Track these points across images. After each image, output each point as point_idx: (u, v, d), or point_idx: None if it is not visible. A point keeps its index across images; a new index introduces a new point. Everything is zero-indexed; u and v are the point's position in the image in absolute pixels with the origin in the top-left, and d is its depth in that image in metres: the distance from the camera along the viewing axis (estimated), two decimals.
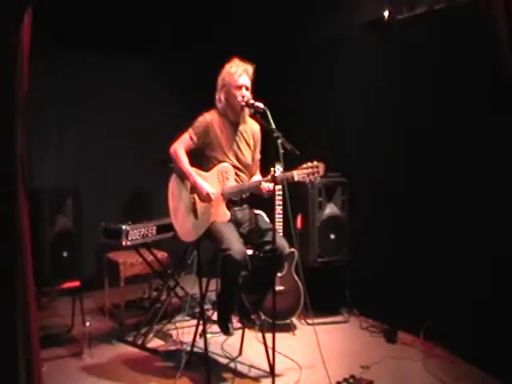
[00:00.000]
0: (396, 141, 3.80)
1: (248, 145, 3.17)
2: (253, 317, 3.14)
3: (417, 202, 3.67)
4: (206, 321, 3.52)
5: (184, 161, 3.07)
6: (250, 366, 3.22)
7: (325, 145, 4.40)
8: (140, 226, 3.65)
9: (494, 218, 3.10)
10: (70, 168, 4.55)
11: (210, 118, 3.10)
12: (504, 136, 2.94)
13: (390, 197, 3.81)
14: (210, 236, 2.98)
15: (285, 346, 3.43)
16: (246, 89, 3.03)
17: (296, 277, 3.78)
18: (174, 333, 3.68)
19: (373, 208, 4.02)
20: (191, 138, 3.08)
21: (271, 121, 2.74)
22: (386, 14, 3.81)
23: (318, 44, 4.50)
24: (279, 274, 3.72)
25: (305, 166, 2.77)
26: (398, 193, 3.75)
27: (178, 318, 4.01)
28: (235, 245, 2.80)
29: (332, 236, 4.01)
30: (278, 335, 2.67)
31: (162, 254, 4.05)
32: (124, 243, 3.52)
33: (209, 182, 3.04)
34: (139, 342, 3.55)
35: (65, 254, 3.41)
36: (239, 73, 3.02)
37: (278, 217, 3.74)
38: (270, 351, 2.77)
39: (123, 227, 3.52)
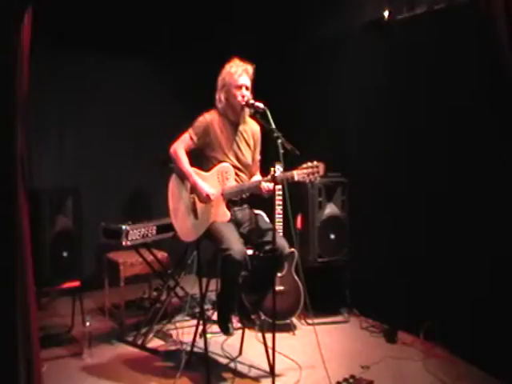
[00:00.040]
0: (396, 141, 3.80)
1: (248, 145, 3.17)
2: (253, 317, 3.14)
3: (417, 202, 3.67)
4: (206, 321, 3.52)
5: (184, 161, 3.07)
6: (250, 366, 3.22)
7: (325, 145, 4.40)
8: (140, 225, 3.65)
9: (493, 218, 3.10)
10: (70, 168, 4.55)
11: (210, 117, 3.10)
12: (504, 136, 2.94)
13: (390, 197, 3.81)
14: (210, 236, 2.98)
15: (285, 346, 3.43)
16: (246, 88, 3.03)
17: (296, 277, 3.78)
18: (174, 333, 3.68)
19: (373, 208, 4.02)
20: (191, 138, 3.08)
21: (271, 121, 2.74)
22: (386, 14, 3.81)
23: (318, 44, 4.50)
24: (279, 274, 3.72)
25: (305, 165, 2.77)
26: (397, 193, 3.75)
27: (177, 317, 4.01)
28: (235, 245, 2.80)
29: (332, 236, 4.01)
30: (278, 335, 2.67)
31: (162, 254, 4.05)
32: (124, 243, 3.52)
33: (209, 182, 3.04)
34: (139, 342, 3.55)
35: (65, 254, 3.41)
36: (239, 73, 3.02)
37: (278, 217, 3.74)
38: (270, 351, 2.77)
39: (123, 227, 3.52)
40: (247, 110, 3.09)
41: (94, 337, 3.44)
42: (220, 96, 3.08)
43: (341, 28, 4.26)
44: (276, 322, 2.73)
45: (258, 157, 3.26)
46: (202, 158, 3.14)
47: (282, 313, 3.73)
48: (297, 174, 2.77)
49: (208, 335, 3.19)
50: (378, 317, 3.93)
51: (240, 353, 3.40)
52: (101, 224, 3.70)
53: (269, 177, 2.85)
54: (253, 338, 3.56)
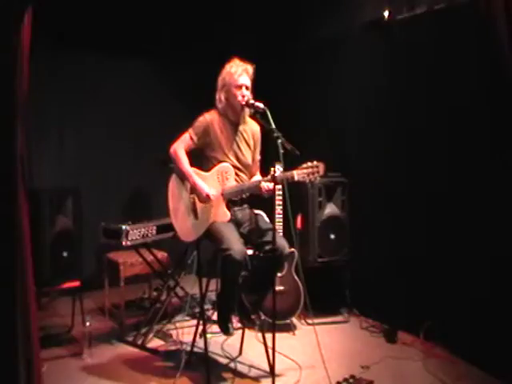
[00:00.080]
0: (396, 141, 3.80)
1: (248, 145, 3.17)
2: (253, 317, 3.14)
3: (417, 202, 3.67)
4: (206, 321, 3.52)
5: (184, 161, 3.07)
6: (250, 366, 3.22)
7: (325, 145, 4.40)
8: (140, 225, 3.65)
9: (493, 218, 3.10)
10: (70, 168, 4.55)
11: (210, 117, 3.10)
12: (504, 136, 2.94)
13: (390, 197, 3.81)
14: (210, 236, 2.98)
15: (285, 346, 3.43)
16: (246, 88, 3.03)
17: (296, 277, 3.78)
18: (174, 333, 3.68)
19: (373, 208, 4.02)
20: (191, 138, 3.09)
21: (271, 121, 2.74)
22: (386, 14, 3.81)
23: (318, 44, 4.50)
24: (279, 274, 3.72)
25: (305, 165, 2.77)
26: (397, 193, 3.75)
27: (177, 317, 4.01)
28: (235, 245, 2.80)
29: (332, 236, 4.01)
30: (278, 335, 2.67)
31: (162, 254, 4.05)
32: (124, 243, 3.52)
33: (209, 182, 3.04)
34: (139, 342, 3.55)
35: (65, 254, 3.41)
36: (239, 72, 3.02)
37: (278, 217, 3.74)
38: (270, 351, 2.77)
39: (123, 227, 3.52)
40: (247, 110, 3.09)
41: (94, 337, 3.44)
42: (220, 96, 3.08)
43: (341, 28, 4.26)
44: (276, 322, 2.73)
45: (258, 157, 3.26)
46: (202, 158, 3.14)
47: (282, 313, 3.73)
48: (297, 174, 2.77)
49: (208, 335, 3.19)
50: (378, 317, 3.93)
51: (240, 353, 3.40)
52: (101, 224, 3.70)
53: (269, 177, 2.85)
54: (253, 338, 3.56)
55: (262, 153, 3.27)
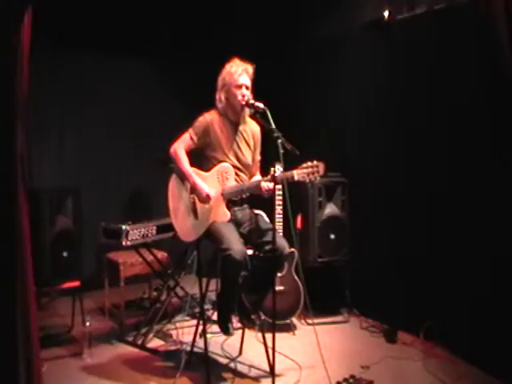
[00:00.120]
0: (396, 141, 3.80)
1: (248, 145, 3.17)
2: (253, 317, 3.14)
3: (417, 202, 3.67)
4: (206, 321, 3.52)
5: (184, 161, 3.07)
6: (250, 366, 3.22)
7: (325, 145, 4.40)
8: (140, 225, 3.65)
9: (493, 218, 3.10)
10: (70, 168, 4.55)
11: (210, 117, 3.10)
12: (504, 136, 2.94)
13: (390, 197, 3.81)
14: (210, 236, 2.98)
15: (285, 346, 3.43)
16: (246, 88, 3.03)
17: (296, 277, 3.78)
18: (174, 333, 3.68)
19: (373, 208, 4.02)
20: (191, 138, 3.09)
21: (271, 121, 2.74)
22: (386, 14, 3.81)
23: (318, 44, 4.50)
24: (279, 274, 3.72)
25: (305, 165, 2.77)
26: (397, 193, 3.75)
27: (177, 317, 4.01)
28: (235, 245, 2.80)
29: (332, 236, 4.01)
30: (278, 335, 2.67)
31: (162, 254, 4.05)
32: (124, 243, 3.52)
33: (209, 182, 3.04)
34: (139, 342, 3.55)
35: (65, 254, 3.41)
36: (239, 72, 3.02)
37: (278, 217, 3.73)
38: (270, 351, 2.77)
39: (123, 227, 3.52)
40: (247, 110, 3.09)
41: (94, 337, 3.44)
42: (220, 96, 3.09)
43: (341, 28, 4.26)
44: (276, 322, 2.73)
45: (258, 157, 3.26)
46: (202, 157, 3.14)
47: (282, 313, 3.73)
48: (297, 174, 2.77)
49: (208, 335, 3.19)
50: (378, 317, 3.93)
51: (240, 353, 3.40)
52: (101, 224, 3.70)
53: (269, 177, 2.85)
54: (253, 338, 3.56)
55: (262, 153, 3.27)
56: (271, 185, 2.80)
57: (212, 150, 3.09)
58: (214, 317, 3.49)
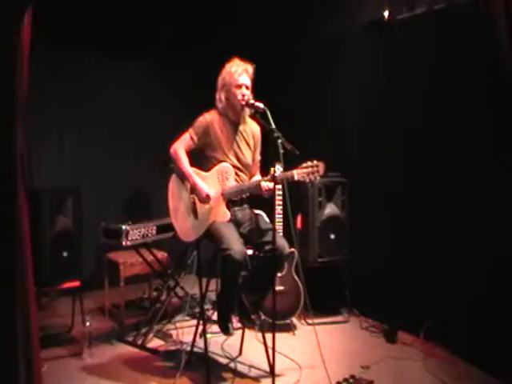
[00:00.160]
0: (396, 141, 3.80)
1: (248, 145, 3.17)
2: (253, 317, 3.14)
3: (417, 202, 3.67)
4: (206, 321, 3.52)
5: (184, 161, 3.07)
6: (250, 366, 3.22)
7: (325, 145, 4.40)
8: (140, 225, 3.65)
9: (493, 218, 3.10)
10: (70, 168, 4.55)
11: (210, 117, 3.10)
12: (504, 136, 2.94)
13: (390, 197, 3.81)
14: (210, 236, 2.98)
15: (285, 346, 3.43)
16: (246, 88, 3.03)
17: (296, 277, 3.78)
18: (174, 333, 3.68)
19: (373, 208, 4.02)
20: (191, 138, 3.09)
21: (271, 121, 2.74)
22: (386, 14, 3.81)
23: (318, 44, 4.50)
24: (279, 274, 3.72)
25: (305, 165, 2.77)
26: (397, 193, 3.75)
27: (177, 317, 4.01)
28: (235, 245, 2.80)
29: (332, 236, 4.01)
30: (278, 335, 2.67)
31: (162, 254, 4.05)
32: (124, 243, 3.52)
33: (209, 182, 3.04)
34: (139, 342, 3.55)
35: (65, 254, 3.41)
36: (239, 72, 3.02)
37: (278, 217, 3.73)
38: (270, 351, 2.77)
39: (123, 227, 3.52)
40: (247, 110, 3.09)
41: (94, 337, 3.44)
42: (220, 96, 3.09)
43: (341, 28, 4.26)
44: (276, 322, 2.73)
45: (258, 157, 3.26)
46: (202, 157, 3.14)
47: (282, 313, 3.73)
48: (297, 174, 2.77)
49: (208, 335, 3.19)
50: (378, 317, 3.93)
51: (240, 353, 3.40)
52: (101, 224, 3.70)
53: (269, 177, 2.85)
54: (253, 338, 3.56)
55: (262, 153, 3.27)
56: (271, 185, 2.80)
57: (212, 150, 3.09)
58: (214, 317, 3.49)
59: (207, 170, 3.09)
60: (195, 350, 3.26)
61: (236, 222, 3.05)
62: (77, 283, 3.51)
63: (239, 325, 3.28)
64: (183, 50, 5.08)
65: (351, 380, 2.85)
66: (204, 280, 3.20)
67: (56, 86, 4.41)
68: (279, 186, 3.48)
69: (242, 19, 4.92)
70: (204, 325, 3.21)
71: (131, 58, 4.83)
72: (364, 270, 4.03)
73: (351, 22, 4.17)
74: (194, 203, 3.08)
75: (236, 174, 3.07)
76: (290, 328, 3.82)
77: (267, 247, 2.93)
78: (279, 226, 3.73)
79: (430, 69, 3.55)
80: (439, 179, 3.50)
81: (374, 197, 3.98)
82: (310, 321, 3.88)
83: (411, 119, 3.70)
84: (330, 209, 4.06)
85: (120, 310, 3.80)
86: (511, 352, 2.85)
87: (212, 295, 4.09)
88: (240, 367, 3.22)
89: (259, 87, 3.12)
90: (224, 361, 3.32)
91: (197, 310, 4.08)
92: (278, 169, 2.79)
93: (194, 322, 3.56)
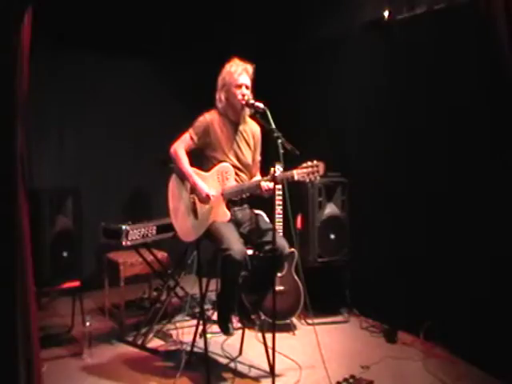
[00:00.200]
0: (396, 141, 3.80)
1: (248, 144, 3.17)
2: (253, 317, 3.14)
3: (417, 202, 3.67)
4: (206, 321, 3.52)
5: (184, 161, 3.07)
6: (250, 366, 3.22)
7: (325, 145, 4.40)
8: (140, 225, 3.65)
9: (493, 218, 3.10)
10: (70, 168, 4.55)
11: (210, 117, 3.10)
12: (504, 136, 2.94)
13: (390, 197, 3.81)
14: (210, 236, 2.98)
15: (285, 346, 3.43)
16: (246, 88, 3.03)
17: (296, 277, 3.78)
18: (174, 333, 3.68)
19: (373, 208, 4.02)
20: (191, 138, 3.09)
21: (271, 121, 2.74)
22: (386, 14, 3.81)
23: (318, 44, 4.50)
24: (279, 274, 3.72)
25: (305, 165, 2.77)
26: (397, 193, 3.75)
27: (177, 317, 4.01)
28: (235, 245, 2.80)
29: (332, 236, 4.01)
30: (278, 335, 2.67)
31: (162, 254, 4.05)
32: (124, 243, 3.52)
33: (209, 182, 3.04)
34: (139, 342, 3.55)
35: (65, 254, 3.41)
36: (239, 72, 3.02)
37: (278, 217, 3.73)
38: (270, 351, 2.77)
39: (123, 227, 3.52)
40: (247, 110, 3.09)
41: (94, 337, 3.44)
42: (220, 96, 3.09)
43: (341, 28, 4.26)
44: (276, 322, 2.73)
45: (258, 158, 3.26)
46: (202, 157, 3.14)
47: (282, 313, 3.73)
48: (297, 174, 2.77)
49: (208, 335, 3.19)
50: (378, 317, 3.93)
51: (240, 353, 3.40)
52: (101, 224, 3.70)
53: (269, 177, 2.85)
54: (253, 338, 3.56)
55: (262, 153, 3.27)
56: (271, 185, 2.80)
57: (212, 150, 3.08)
58: (214, 317, 3.49)
59: (207, 170, 3.09)
60: (195, 349, 3.26)
61: (236, 222, 3.05)
62: (77, 283, 3.51)
63: (239, 325, 3.28)
64: (183, 49, 5.08)
65: (351, 380, 2.85)
66: (204, 280, 3.20)
67: (56, 86, 4.41)
68: (279, 186, 3.48)
69: (242, 19, 4.92)
70: (204, 325, 3.21)
71: (131, 58, 4.83)
72: (364, 270, 4.03)
73: (351, 22, 4.17)
74: (194, 203, 3.08)
75: (236, 173, 3.07)
76: (289, 328, 3.82)
77: (267, 247, 2.93)
78: (279, 225, 3.73)
79: (429, 69, 3.55)
80: (439, 179, 3.50)
81: (374, 197, 3.98)
82: (309, 321, 3.88)
83: (411, 119, 3.70)
84: (330, 209, 4.06)
85: (120, 310, 3.80)
86: (511, 352, 2.85)
87: (212, 295, 4.09)
88: (240, 367, 3.22)
89: (259, 87, 3.12)
90: (224, 361, 3.32)
91: (197, 310, 4.08)
92: (278, 169, 2.79)
93: (194, 322, 3.56)
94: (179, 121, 3.19)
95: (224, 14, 4.92)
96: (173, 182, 3.16)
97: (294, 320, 3.90)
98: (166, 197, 3.17)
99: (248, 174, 3.16)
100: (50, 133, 4.54)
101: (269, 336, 3.00)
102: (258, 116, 3.01)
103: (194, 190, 3.06)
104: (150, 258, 3.89)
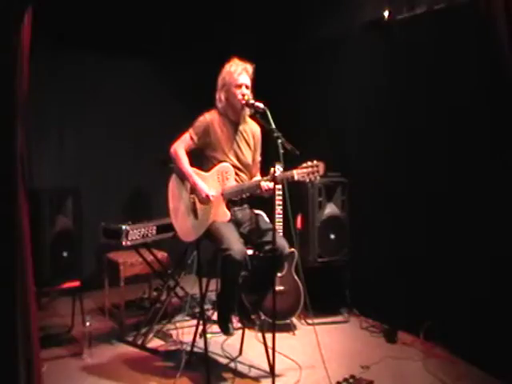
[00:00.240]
0: (396, 141, 3.80)
1: (248, 144, 3.17)
2: (253, 317, 3.14)
3: (417, 202, 3.67)
4: (206, 321, 3.52)
5: (184, 161, 3.07)
6: (250, 366, 3.22)
7: (325, 145, 4.40)
8: (140, 225, 3.65)
9: (493, 218, 3.10)
10: (70, 168, 4.55)
11: (210, 117, 3.10)
12: (504, 136, 2.94)
13: (390, 197, 3.81)
14: (210, 236, 2.98)
15: (285, 346, 3.43)
16: (246, 87, 3.03)
17: (296, 277, 3.78)
18: (174, 333, 3.68)
19: (373, 208, 4.02)
20: (191, 138, 3.09)
21: (271, 121, 2.74)
22: (386, 14, 3.81)
23: (318, 44, 4.50)
24: (279, 274, 3.72)
25: (305, 165, 2.77)
26: (397, 193, 3.75)
27: (177, 317, 4.01)
28: (235, 245, 2.80)
29: (332, 236, 4.01)
30: (278, 335, 2.67)
31: (162, 254, 4.05)
32: (124, 243, 3.52)
33: (209, 182, 3.04)
34: (139, 342, 3.55)
35: (65, 254, 3.41)
36: (239, 71, 3.02)
37: (278, 217, 3.73)
38: (270, 351, 2.77)
39: (123, 227, 3.52)
40: (247, 110, 3.08)
41: (94, 337, 3.44)
42: (220, 95, 3.09)
43: (341, 28, 4.26)
44: (276, 322, 2.73)
45: (258, 158, 3.26)
46: (202, 157, 3.14)
47: (282, 313, 3.73)
48: (297, 174, 2.77)
49: (208, 335, 3.19)
50: (378, 317, 3.93)
51: (240, 353, 3.40)
52: (101, 224, 3.70)
53: (269, 177, 2.85)
54: (253, 338, 3.56)
55: (262, 153, 3.27)
56: (271, 185, 2.80)
57: (212, 150, 3.08)
58: (214, 317, 3.49)
59: (207, 170, 3.09)
60: (195, 349, 3.26)
61: (236, 222, 3.05)
62: (77, 283, 3.51)
63: (239, 325, 3.28)
64: (183, 49, 5.08)
65: (351, 380, 2.85)
66: (204, 280, 3.20)
67: (56, 86, 4.41)
68: (279, 186, 3.48)
69: (242, 19, 4.92)
70: (204, 325, 3.20)
71: (131, 58, 4.83)
72: (364, 270, 4.03)
73: (351, 22, 4.17)
74: (193, 203, 3.08)
75: (236, 173, 3.07)
76: (290, 328, 3.82)
77: (267, 247, 2.93)
78: (279, 225, 3.73)
79: (429, 69, 3.55)
80: (439, 179, 3.50)
81: (374, 197, 3.98)
82: (310, 321, 3.88)
83: (411, 119, 3.70)
84: (330, 209, 4.06)
85: (120, 310, 3.80)
86: (511, 352, 2.85)
87: (212, 295, 4.09)
88: (240, 367, 3.22)
89: (259, 87, 3.12)
90: (224, 361, 3.32)
91: (197, 310, 4.08)
92: (278, 169, 2.79)
93: (194, 322, 3.56)
94: (179, 121, 3.19)
95: (224, 13, 4.92)
96: (173, 182, 3.16)
97: (294, 320, 3.90)
98: (166, 197, 3.17)
99: (248, 174, 3.16)
100: (50, 133, 4.54)
101: (269, 336, 3.00)
102: (257, 116, 3.01)
103: (194, 190, 3.06)
104: (150, 258, 3.89)
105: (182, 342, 3.50)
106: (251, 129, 3.19)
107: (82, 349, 3.32)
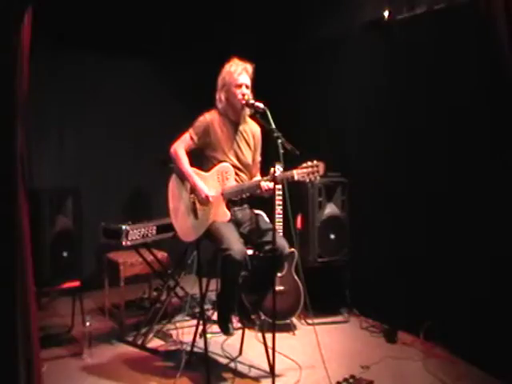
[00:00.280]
0: (396, 141, 3.81)
1: (248, 144, 3.17)
2: (253, 317, 3.14)
3: (417, 202, 3.67)
4: (206, 321, 3.52)
5: (184, 161, 3.07)
6: (250, 366, 3.22)
7: (325, 145, 4.40)
8: (140, 225, 3.65)
9: (493, 218, 3.10)
10: (70, 168, 4.55)
11: (210, 117, 3.10)
12: (504, 136, 2.94)
13: (390, 197, 3.81)
14: (210, 236, 2.98)
15: (285, 346, 3.43)
16: (246, 87, 3.03)
17: (296, 277, 3.78)
18: (174, 333, 3.68)
19: (373, 208, 4.02)
20: (192, 138, 3.09)
21: (271, 121, 2.74)
22: (386, 14, 3.82)
23: (318, 44, 4.50)
24: (279, 274, 3.72)
25: (305, 165, 2.77)
26: (397, 193, 3.75)
27: (177, 317, 4.01)
28: (235, 245, 2.80)
29: (332, 236, 4.01)
30: (278, 335, 2.67)
31: (162, 254, 4.05)
32: (124, 243, 3.52)
33: (209, 182, 3.04)
34: (139, 342, 3.55)
35: (65, 254, 3.41)
36: (239, 71, 3.02)
37: (278, 217, 3.73)
38: (270, 351, 2.77)
39: (123, 227, 3.52)
40: (247, 110, 3.08)
41: (94, 337, 3.44)
42: (220, 95, 3.09)
43: (341, 28, 4.26)
44: (276, 322, 2.73)
45: (258, 158, 3.26)
46: (202, 157, 3.14)
47: (282, 313, 3.73)
48: (297, 174, 2.77)
49: (208, 335, 3.19)
50: (378, 317, 3.93)
51: (240, 353, 3.40)
52: (101, 224, 3.70)
53: (269, 177, 2.85)
54: (253, 338, 3.56)
55: (262, 153, 3.27)
56: (271, 185, 2.80)
57: (212, 150, 3.08)
58: (214, 317, 3.49)
59: (207, 170, 3.09)
60: (195, 350, 3.26)
61: (236, 222, 3.05)
62: (77, 283, 3.51)
63: (239, 325, 3.28)
64: (183, 49, 5.08)
65: (351, 380, 2.85)
66: (204, 280, 3.21)
67: (56, 86, 4.41)
68: (279, 186, 3.48)
69: (242, 19, 4.93)
70: (204, 325, 3.21)
71: (131, 58, 4.83)
72: (364, 270, 4.03)
73: (351, 22, 4.17)
74: (193, 203, 3.08)
75: (236, 173, 3.07)
76: (290, 328, 3.82)
77: (267, 247, 2.93)
78: (279, 225, 3.73)
79: (430, 69, 3.55)
80: (439, 179, 3.50)
81: (374, 197, 3.98)
82: (310, 321, 3.88)
83: (411, 119, 3.70)
84: (330, 209, 4.06)
85: (120, 310, 3.80)
86: (511, 352, 2.85)
87: (212, 295, 4.09)
88: (240, 367, 3.22)
89: (259, 87, 3.12)
90: (224, 361, 3.32)
91: (197, 310, 4.08)
92: (278, 169, 2.79)
93: (194, 322, 3.56)
94: (179, 121, 3.19)
95: (224, 13, 4.92)
96: (173, 182, 3.16)
97: (294, 320, 3.90)
98: (166, 197, 3.17)
99: (248, 174, 3.16)
100: (50, 133, 4.54)
101: (269, 336, 3.00)
102: (257, 116, 3.01)
103: (193, 190, 3.06)
104: (150, 258, 3.89)
105: (182, 342, 3.50)
106: (251, 129, 3.19)
107: (82, 349, 3.32)
